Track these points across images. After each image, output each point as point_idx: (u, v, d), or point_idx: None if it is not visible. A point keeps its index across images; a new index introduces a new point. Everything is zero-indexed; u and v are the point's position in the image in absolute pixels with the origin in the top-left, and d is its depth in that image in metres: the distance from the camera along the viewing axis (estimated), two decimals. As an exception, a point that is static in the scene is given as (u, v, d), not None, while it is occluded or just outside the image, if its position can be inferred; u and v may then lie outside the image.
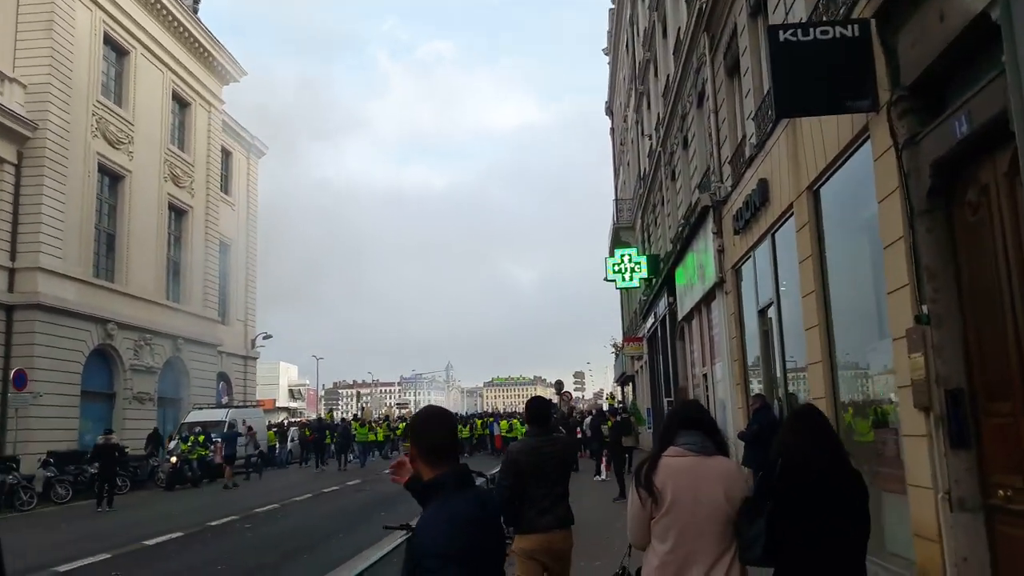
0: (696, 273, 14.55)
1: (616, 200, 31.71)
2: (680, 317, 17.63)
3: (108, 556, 11.01)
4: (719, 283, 12.50)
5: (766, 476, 3.30)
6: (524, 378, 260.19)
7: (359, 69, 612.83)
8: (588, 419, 22.41)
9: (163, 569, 10.17)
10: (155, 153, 32.49)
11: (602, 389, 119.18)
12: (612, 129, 39.49)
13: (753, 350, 11.11)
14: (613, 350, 44.42)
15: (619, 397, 47.24)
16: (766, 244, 9.92)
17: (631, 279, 22.12)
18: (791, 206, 8.72)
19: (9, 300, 24.40)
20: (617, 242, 29.03)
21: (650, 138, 22.00)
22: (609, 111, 39.70)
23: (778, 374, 9.76)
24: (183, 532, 13.08)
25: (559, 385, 36.46)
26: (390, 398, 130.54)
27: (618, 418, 16.95)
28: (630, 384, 36.70)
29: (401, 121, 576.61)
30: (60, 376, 25.47)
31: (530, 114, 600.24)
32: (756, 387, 11.01)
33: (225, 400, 36.05)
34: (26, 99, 25.61)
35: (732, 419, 12.06)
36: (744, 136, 11.01)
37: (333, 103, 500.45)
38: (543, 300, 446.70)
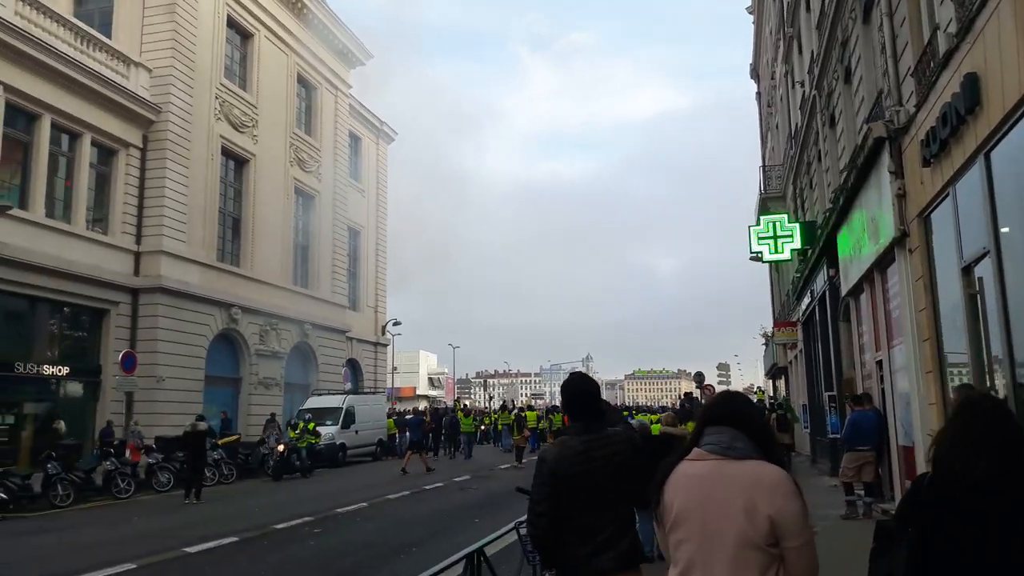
0: (866, 233, 11.51)
1: (763, 168, 28.26)
2: (844, 292, 14.49)
3: (127, 567, 9.50)
4: (899, 239, 9.49)
5: (909, 493, 2.65)
6: (667, 371, 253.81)
7: (498, 63, 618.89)
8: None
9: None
10: (280, 137, 32.10)
11: (751, 384, 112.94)
12: (758, 94, 35.88)
13: (953, 324, 8.11)
14: (763, 340, 40.56)
15: (769, 392, 43.25)
16: (975, 171, 6.99)
17: (780, 250, 18.94)
18: (1021, 104, 5.82)
19: (134, 283, 24.34)
20: (764, 214, 25.66)
21: (802, 85, 18.78)
22: (754, 74, 36.07)
23: (997, 354, 6.79)
24: (238, 537, 11.57)
25: (699, 377, 33.34)
26: (526, 388, 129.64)
27: (774, 415, 13.99)
28: (782, 377, 33.00)
29: (538, 114, 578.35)
30: (184, 360, 25.25)
31: (668, 100, 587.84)
32: (958, 377, 8.02)
33: (348, 386, 35.37)
34: (151, 83, 25.52)
35: (920, 418, 9.04)
36: (935, 31, 8.04)
37: (472, 97, 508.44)
38: (685, 291, 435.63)
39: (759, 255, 20.20)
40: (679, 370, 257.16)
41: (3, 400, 20.21)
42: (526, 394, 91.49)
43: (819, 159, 17.96)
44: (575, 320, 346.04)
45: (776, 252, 19.27)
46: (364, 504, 15.18)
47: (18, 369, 20.30)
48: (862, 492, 11.70)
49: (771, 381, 38.33)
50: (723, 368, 49.84)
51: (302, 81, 34.30)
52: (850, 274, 13.81)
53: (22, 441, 20.30)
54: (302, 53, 33.73)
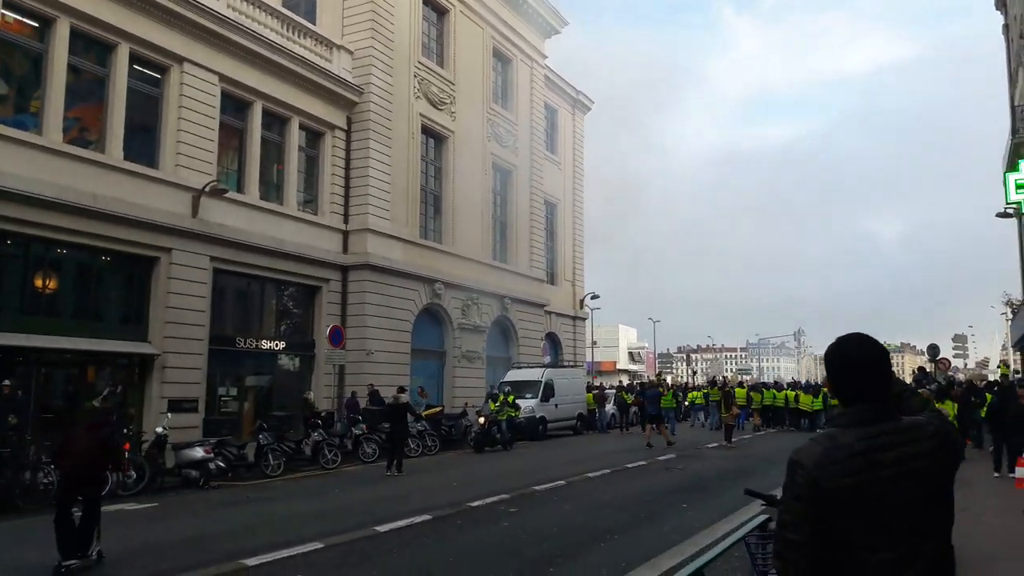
0: None
1: (1016, 108, 24.18)
2: None
3: (314, 546, 9.28)
4: None
5: None
6: (890, 344, 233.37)
7: (702, 28, 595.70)
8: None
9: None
10: (478, 112, 32.10)
11: (986, 358, 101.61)
12: (1005, 26, 30.97)
13: None
14: (1008, 308, 35.37)
15: (1014, 366, 37.89)
16: None
17: (1047, 202, 15.89)
18: None
19: (343, 261, 25.25)
20: (1015, 162, 21.95)
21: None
22: (1000, 3, 31.11)
23: None
24: (431, 515, 11.17)
25: (933, 350, 29.71)
26: (732, 364, 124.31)
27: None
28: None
29: (746, 77, 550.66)
30: (391, 335, 25.93)
31: (888, 52, 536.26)
32: None
33: (547, 360, 35.06)
34: (353, 65, 26.24)
35: None
36: None
37: (671, 66, 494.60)
38: (910, 258, 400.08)
39: (1018, 206, 17.13)
40: (902, 343, 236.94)
41: (226, 373, 21.62)
42: (731, 369, 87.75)
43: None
44: (787, 292, 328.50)
45: (1039, 204, 16.19)
46: (562, 482, 14.46)
47: (239, 344, 21.60)
48: None
49: (1020, 354, 33.37)
50: (959, 340, 44.44)
51: (497, 54, 34.08)
52: None
53: (244, 412, 21.68)
54: (496, 25, 33.48)
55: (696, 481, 14.92)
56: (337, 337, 21.28)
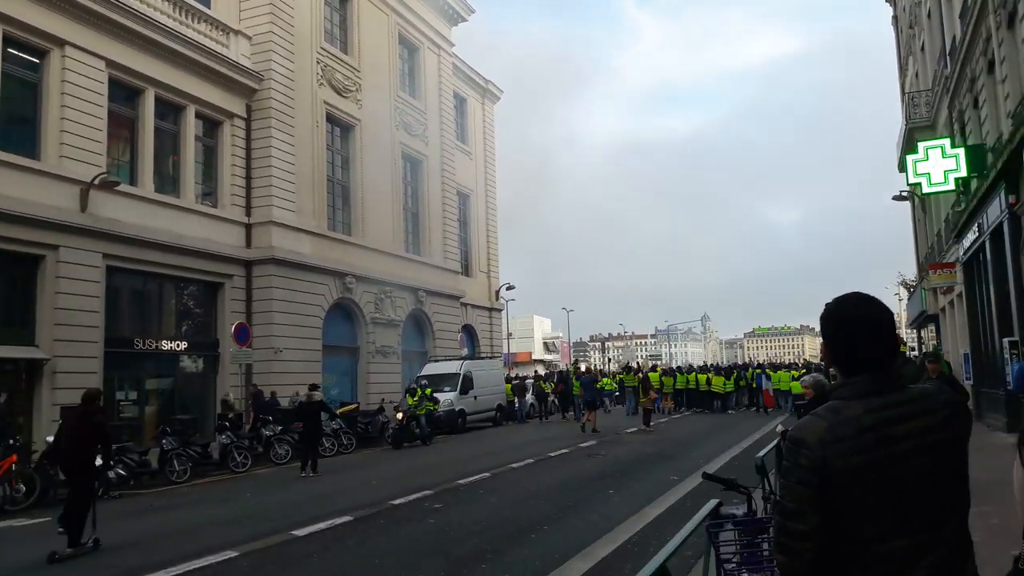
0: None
1: (907, 96, 25.21)
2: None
3: (228, 555, 8.67)
4: None
5: None
6: (789, 328, 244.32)
7: (605, 21, 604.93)
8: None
9: None
10: (385, 100, 31.31)
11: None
12: (894, 17, 32.33)
13: None
14: (903, 289, 37.09)
15: (911, 343, 39.79)
16: None
17: (944, 180, 16.44)
18: None
19: (247, 255, 24.17)
20: (911, 146, 22.84)
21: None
22: (891, -7, 32.50)
23: None
24: (351, 515, 10.63)
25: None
26: (643, 350, 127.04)
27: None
28: (930, 326, 29.95)
29: (647, 69, 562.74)
30: (300, 331, 25.01)
31: (782, 45, 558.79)
32: None
33: (465, 352, 34.71)
34: (251, 51, 25.11)
35: None
36: None
37: (576, 58, 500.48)
38: (807, 243, 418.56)
39: (916, 187, 17.75)
40: (802, 325, 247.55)
41: (125, 376, 20.36)
42: (643, 356, 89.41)
43: (989, 70, 15.37)
44: (692, 279, 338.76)
45: (937, 184, 16.78)
46: (486, 474, 14.12)
47: (137, 345, 20.37)
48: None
49: (916, 331, 35.01)
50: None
51: (403, 41, 33.36)
52: (1045, 197, 11.51)
53: (145, 417, 20.47)
54: (401, 11, 32.74)
55: (619, 467, 14.84)
56: (243, 335, 20.31)
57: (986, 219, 15.82)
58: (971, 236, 17.51)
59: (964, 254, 18.82)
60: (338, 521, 10.24)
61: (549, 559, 7.90)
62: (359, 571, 7.74)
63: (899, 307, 62.93)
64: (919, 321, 31.72)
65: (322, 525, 10.00)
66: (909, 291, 35.70)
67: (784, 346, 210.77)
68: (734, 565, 3.61)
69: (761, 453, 7.92)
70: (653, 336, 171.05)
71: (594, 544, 8.51)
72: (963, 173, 16.40)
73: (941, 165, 16.50)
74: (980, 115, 16.85)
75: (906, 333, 42.80)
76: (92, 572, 8.09)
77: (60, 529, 9.24)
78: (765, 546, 3.61)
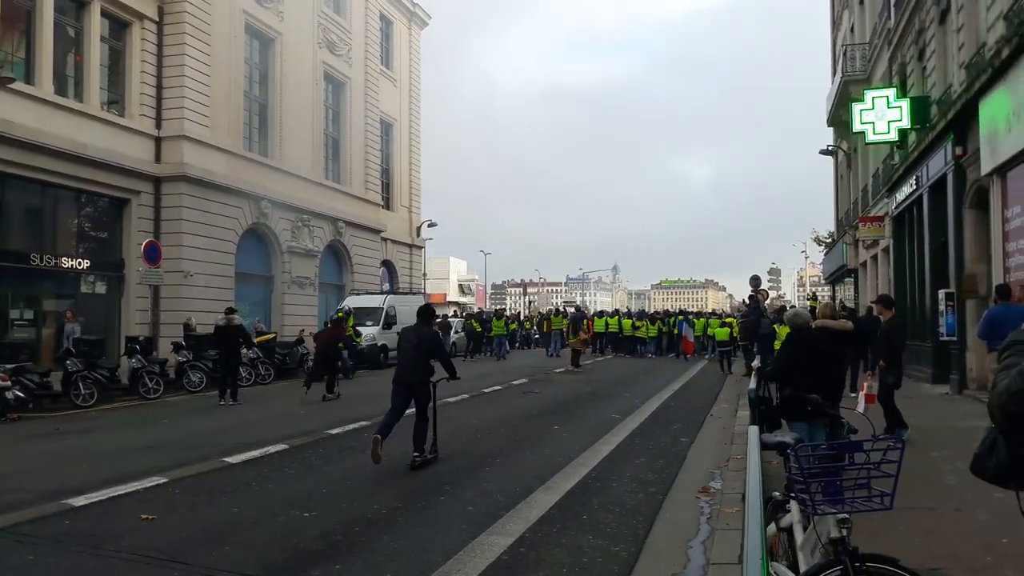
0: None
1: (843, 48, 25.32)
2: (985, 171, 12.22)
3: (156, 481, 7.85)
4: None
5: None
6: (695, 281, 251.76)
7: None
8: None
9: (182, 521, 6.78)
10: (308, 15, 29.43)
11: (782, 294, 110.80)
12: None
13: None
14: (820, 245, 38.06)
15: (821, 298, 41.10)
16: None
17: (887, 131, 16.50)
18: None
19: (155, 171, 22.42)
20: (845, 101, 23.02)
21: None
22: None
23: None
24: (286, 444, 9.91)
25: (756, 280, 31.19)
26: (557, 297, 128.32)
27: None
28: (847, 281, 30.82)
29: (564, 14, 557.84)
30: (212, 255, 23.57)
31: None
32: None
33: (386, 288, 33.76)
34: (165, -52, 22.94)
35: None
36: None
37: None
38: (717, 200, 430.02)
39: (860, 136, 17.79)
40: (706, 280, 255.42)
41: (19, 294, 18.66)
42: (558, 301, 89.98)
43: (942, 19, 15.33)
44: (604, 230, 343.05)
45: (881, 134, 16.82)
46: (422, 408, 13.57)
47: (34, 261, 18.65)
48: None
49: (831, 287, 36.08)
50: (774, 273, 47.70)
51: (329, -47, 31.35)
52: (1000, 149, 11.53)
53: (43, 338, 18.88)
54: (328, -78, 30.68)
55: (557, 404, 14.52)
56: (153, 253, 18.81)
57: (926, 172, 15.98)
58: (906, 189, 17.74)
59: (896, 208, 19.12)
60: (272, 449, 9.50)
61: (510, 492, 7.44)
62: (307, 500, 7.04)
63: (803, 263, 65.44)
64: (835, 276, 32.62)
65: (255, 452, 9.24)
66: (825, 247, 36.65)
67: (689, 299, 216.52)
68: (808, 495, 3.14)
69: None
70: (565, 284, 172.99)
71: (554, 478, 8.12)
72: (907, 124, 16.49)
73: (886, 115, 16.53)
74: (925, 67, 16.91)
75: (810, 291, 44.29)
76: (-4, 499, 7.12)
77: None
78: (846, 474, 3.15)
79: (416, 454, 8.69)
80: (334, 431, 10.94)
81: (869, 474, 3.06)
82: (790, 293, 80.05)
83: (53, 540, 5.76)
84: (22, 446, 10.34)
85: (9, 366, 13.78)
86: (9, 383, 12.72)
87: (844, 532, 3.03)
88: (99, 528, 6.08)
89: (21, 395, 13.06)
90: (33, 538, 5.81)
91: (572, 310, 35.42)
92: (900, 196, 18.44)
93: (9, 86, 17.32)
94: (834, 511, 3.07)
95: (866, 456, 3.07)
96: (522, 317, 45.34)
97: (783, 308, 21.60)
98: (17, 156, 17.99)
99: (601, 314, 34.49)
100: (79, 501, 6.88)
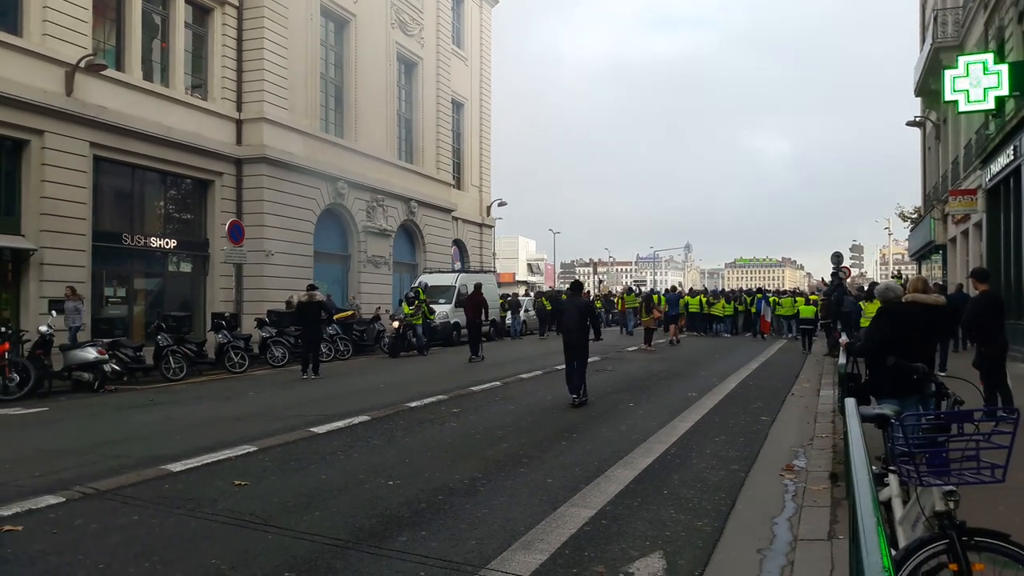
0: None
1: (934, 14, 24.16)
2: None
3: (246, 449, 8.12)
4: None
5: None
6: (771, 259, 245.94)
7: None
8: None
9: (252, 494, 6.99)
10: (381, -5, 29.67)
11: (863, 271, 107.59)
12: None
13: None
14: (905, 220, 36.63)
15: (908, 275, 39.63)
16: None
17: (983, 98, 15.71)
18: None
19: (237, 153, 23.09)
20: (935, 69, 22.00)
21: None
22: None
23: None
24: (368, 416, 10.13)
25: (838, 257, 30.34)
26: (627, 276, 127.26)
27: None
28: (934, 258, 29.63)
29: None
30: (291, 235, 24.19)
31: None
32: None
33: (457, 266, 34.06)
34: (243, -65, 23.43)
35: None
36: None
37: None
38: (794, 177, 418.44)
39: (952, 105, 17.01)
40: (783, 258, 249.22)
41: (113, 272, 19.51)
42: (628, 280, 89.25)
43: (1044, -20, 14.47)
44: (676, 208, 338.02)
45: (976, 101, 16.02)
46: (497, 383, 13.68)
47: (126, 241, 19.48)
48: None
49: (917, 263, 34.77)
50: (856, 250, 46.34)
51: (402, -65, 31.49)
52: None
53: (134, 315, 19.73)
54: (401, -97, 30.79)
55: (630, 382, 14.43)
56: (237, 233, 19.41)
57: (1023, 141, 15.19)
58: (1002, 160, 16.89)
59: (990, 180, 18.25)
60: (355, 420, 9.72)
61: (588, 466, 7.44)
62: (392, 468, 7.20)
63: (887, 240, 63.12)
64: (922, 253, 31.42)
65: (339, 424, 9.47)
66: (910, 223, 35.28)
67: (764, 278, 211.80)
68: (913, 468, 3.04)
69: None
70: (635, 263, 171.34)
71: (632, 454, 8.07)
72: (1004, 91, 15.66)
73: (982, 82, 15.75)
74: (1025, 30, 16.03)
75: (904, 267, 42.68)
76: (99, 460, 7.50)
77: None
78: (953, 445, 3.04)
79: (574, 396, 11.20)
80: (413, 404, 11.13)
81: (978, 445, 2.95)
82: (872, 271, 77.40)
83: (154, 502, 6.04)
84: (120, 416, 10.85)
85: (106, 341, 14.48)
86: (106, 357, 13.34)
87: (951, 505, 2.93)
88: (195, 492, 6.34)
89: (117, 368, 13.71)
90: (136, 500, 6.10)
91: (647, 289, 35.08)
92: (995, 168, 17.58)
93: (101, 73, 18.08)
94: (940, 483, 2.97)
95: (975, 427, 2.96)
96: (592, 297, 45.19)
97: (872, 285, 20.96)
98: (109, 140, 18.77)
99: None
100: (176, 467, 7.20)
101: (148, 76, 20.67)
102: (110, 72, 18.74)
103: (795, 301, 27.01)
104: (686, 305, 28.44)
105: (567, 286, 13.66)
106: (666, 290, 32.37)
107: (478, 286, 20.13)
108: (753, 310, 28.44)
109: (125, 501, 6.08)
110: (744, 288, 43.36)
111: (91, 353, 13.09)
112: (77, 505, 6.00)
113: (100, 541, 5.13)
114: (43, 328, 13.09)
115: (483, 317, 19.84)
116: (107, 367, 13.19)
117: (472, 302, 19.58)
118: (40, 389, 12.42)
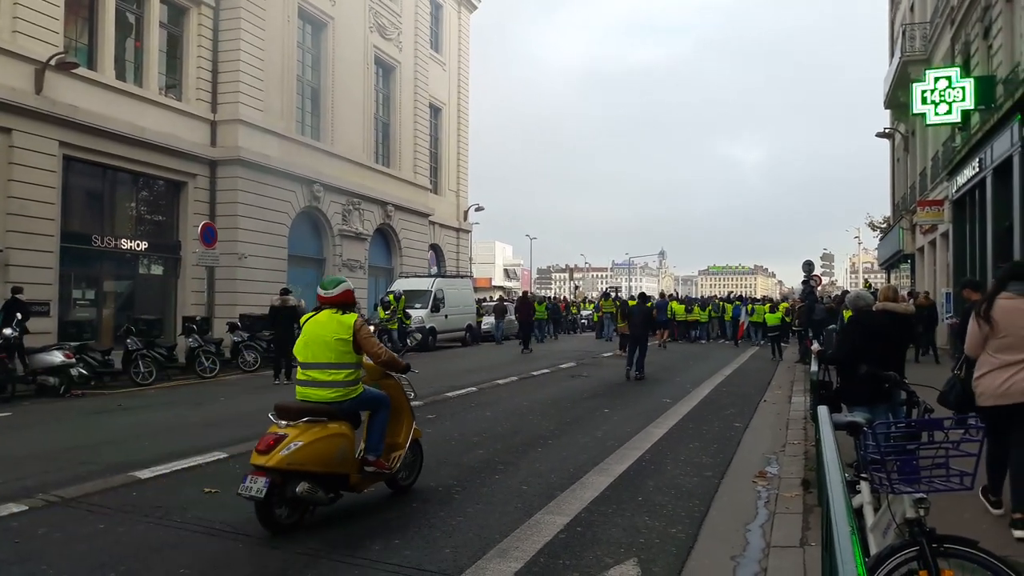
0: None
1: (903, 28, 24.56)
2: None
3: (216, 456, 8.02)
4: None
5: None
6: (743, 267, 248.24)
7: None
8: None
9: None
10: (359, -1, 29.58)
11: (834, 280, 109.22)
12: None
13: None
14: (875, 230, 37.12)
15: (876, 284, 40.17)
16: None
17: (949, 111, 16.00)
18: None
19: (211, 154, 22.83)
20: (904, 82, 22.35)
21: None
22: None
23: None
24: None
25: (809, 266, 30.65)
26: (602, 282, 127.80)
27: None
28: (902, 267, 30.04)
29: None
30: (266, 238, 23.96)
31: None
32: None
33: (434, 271, 33.96)
34: (220, -66, 23.23)
35: None
36: None
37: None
38: (767, 186, 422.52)
39: (921, 118, 17.28)
40: (755, 266, 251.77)
41: (81, 274, 19.21)
42: (603, 287, 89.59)
43: (1014, -7, 14.77)
44: (652, 215, 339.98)
45: (942, 115, 16.31)
46: (473, 389, 13.65)
47: (96, 243, 19.18)
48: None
49: (886, 272, 35.22)
50: (827, 259, 46.71)
51: (380, -63, 31.42)
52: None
53: (103, 318, 19.43)
54: (379, -94, 30.72)
55: (605, 387, 14.48)
56: (210, 235, 19.18)
57: (990, 153, 15.46)
58: (968, 172, 17.19)
59: (956, 191, 18.55)
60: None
61: (564, 473, 7.45)
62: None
63: (857, 249, 63.95)
64: (891, 262, 31.85)
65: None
66: (880, 232, 35.77)
67: (737, 285, 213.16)
68: (884, 475, 3.07)
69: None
70: (611, 269, 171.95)
71: (607, 460, 8.10)
72: (970, 105, 15.95)
73: (948, 96, 16.02)
74: (991, 45, 16.33)
75: (873, 276, 43.25)
76: (64, 467, 7.35)
77: None
78: (923, 454, 3.08)
79: (637, 372, 15.61)
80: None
81: (948, 453, 2.98)
82: (842, 279, 78.34)
83: (121, 510, 5.94)
84: (88, 421, 10.67)
85: (73, 344, 14.24)
86: (74, 360, 13.12)
87: (921, 512, 2.96)
88: (164, 500, 6.25)
89: (84, 372, 13.49)
90: (103, 508, 6.00)
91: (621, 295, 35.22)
92: (961, 179, 17.89)
93: (73, 71, 17.82)
94: (911, 490, 3.00)
95: (945, 435, 3.00)
96: (567, 302, 45.30)
97: (845, 294, 21.22)
98: (80, 139, 18.47)
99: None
100: (144, 474, 7.09)
101: (121, 75, 20.40)
102: (82, 71, 18.47)
103: (755, 309, 27.33)
104: (672, 311, 28.61)
105: (635, 295, 18.37)
106: (634, 296, 32.45)
107: (525, 293, 22.08)
108: (727, 317, 28.69)
109: (91, 509, 5.97)
110: (719, 295, 43.60)
111: (57, 357, 12.87)
112: (41, 513, 5.88)
113: (64, 550, 5.04)
114: (7, 331, 12.84)
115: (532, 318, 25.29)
116: (74, 371, 12.97)
117: (521, 306, 25.47)
118: (3, 393, 12.18)
